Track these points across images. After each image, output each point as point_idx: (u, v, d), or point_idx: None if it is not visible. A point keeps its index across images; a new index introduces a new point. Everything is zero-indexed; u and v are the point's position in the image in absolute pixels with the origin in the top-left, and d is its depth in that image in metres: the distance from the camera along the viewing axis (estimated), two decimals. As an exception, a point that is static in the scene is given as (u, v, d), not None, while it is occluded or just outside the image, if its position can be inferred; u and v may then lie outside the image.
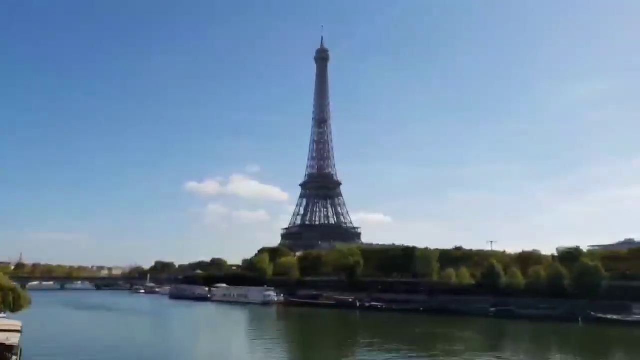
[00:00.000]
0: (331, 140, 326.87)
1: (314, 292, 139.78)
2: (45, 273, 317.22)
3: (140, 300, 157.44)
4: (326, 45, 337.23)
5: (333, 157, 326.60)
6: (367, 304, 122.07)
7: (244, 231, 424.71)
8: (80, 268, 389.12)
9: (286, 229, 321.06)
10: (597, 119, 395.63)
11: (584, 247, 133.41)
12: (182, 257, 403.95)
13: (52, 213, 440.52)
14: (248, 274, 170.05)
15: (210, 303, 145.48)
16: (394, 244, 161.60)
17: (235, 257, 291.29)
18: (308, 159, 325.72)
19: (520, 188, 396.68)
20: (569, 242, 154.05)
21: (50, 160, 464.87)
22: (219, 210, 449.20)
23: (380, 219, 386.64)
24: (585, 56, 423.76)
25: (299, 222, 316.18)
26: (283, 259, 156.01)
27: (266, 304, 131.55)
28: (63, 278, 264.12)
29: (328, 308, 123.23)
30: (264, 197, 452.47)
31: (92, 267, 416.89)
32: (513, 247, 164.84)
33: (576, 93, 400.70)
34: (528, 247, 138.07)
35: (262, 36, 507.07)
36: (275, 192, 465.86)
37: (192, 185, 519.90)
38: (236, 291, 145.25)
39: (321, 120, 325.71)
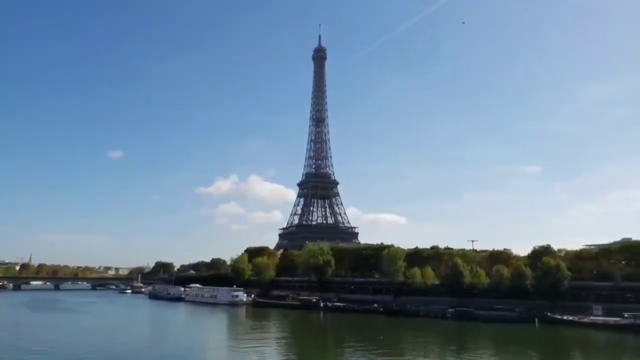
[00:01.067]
0: (329, 140, 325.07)
1: (282, 293, 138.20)
2: (51, 273, 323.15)
3: (114, 301, 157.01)
4: (324, 44, 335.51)
5: (330, 157, 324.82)
6: (330, 305, 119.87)
7: (259, 231, 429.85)
8: (86, 268, 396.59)
9: (284, 228, 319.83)
10: (615, 119, 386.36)
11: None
12: (195, 257, 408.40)
13: (66, 215, 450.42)
14: (230, 274, 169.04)
15: (183, 303, 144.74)
16: (367, 244, 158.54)
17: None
18: (306, 159, 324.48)
19: (537, 188, 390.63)
20: (584, 243, 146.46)
21: (63, 161, 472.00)
22: (232, 211, 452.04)
23: (394, 220, 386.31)
24: (604, 57, 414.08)
25: (296, 222, 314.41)
26: (259, 260, 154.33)
27: (234, 304, 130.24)
28: (64, 278, 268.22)
29: (292, 309, 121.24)
30: (278, 198, 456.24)
31: (100, 267, 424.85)
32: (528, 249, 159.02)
33: (594, 94, 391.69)
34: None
35: (261, 36, 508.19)
36: (290, 193, 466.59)
37: (207, 185, 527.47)
38: (207, 292, 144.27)
39: (319, 120, 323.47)
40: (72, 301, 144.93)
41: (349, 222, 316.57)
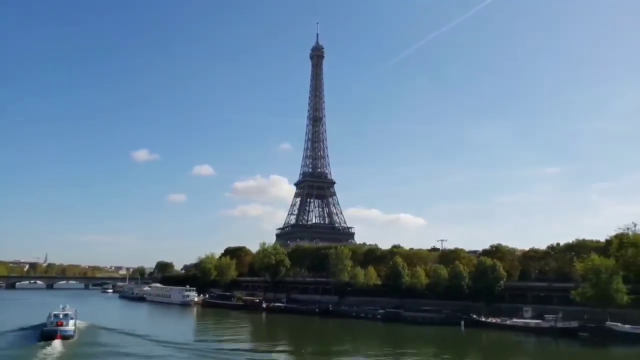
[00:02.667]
0: (325, 139, 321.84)
1: (240, 293, 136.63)
2: (59, 273, 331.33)
3: (84, 301, 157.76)
4: (321, 42, 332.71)
5: (327, 156, 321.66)
6: (271, 305, 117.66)
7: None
8: (95, 268, 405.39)
9: (280, 228, 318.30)
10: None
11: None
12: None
13: (99, 216, 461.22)
14: (198, 274, 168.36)
15: (146, 303, 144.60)
16: (329, 244, 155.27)
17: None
18: (303, 158, 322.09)
19: (567, 190, 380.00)
20: None
21: (92, 163, 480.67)
22: (254, 212, 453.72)
23: (414, 221, 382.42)
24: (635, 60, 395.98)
25: (293, 221, 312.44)
26: (221, 260, 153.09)
27: (185, 304, 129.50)
28: (55, 277, 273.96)
29: (236, 309, 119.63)
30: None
31: (111, 267, 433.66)
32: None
33: (630, 97, 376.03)
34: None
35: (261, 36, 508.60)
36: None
37: (231, 185, 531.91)
38: (163, 291, 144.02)
39: (316, 119, 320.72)
40: (34, 300, 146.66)
41: (345, 222, 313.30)
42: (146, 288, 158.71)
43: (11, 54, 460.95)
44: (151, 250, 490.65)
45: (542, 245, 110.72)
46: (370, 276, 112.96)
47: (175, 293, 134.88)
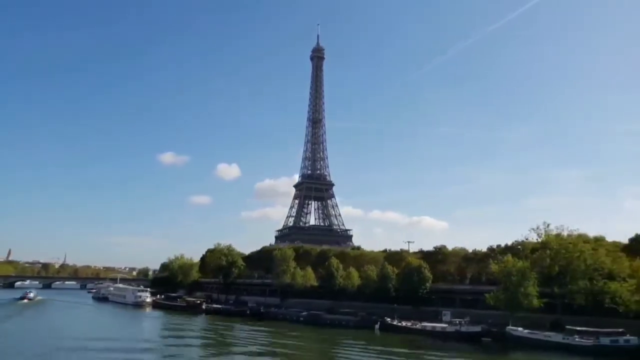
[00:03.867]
0: (325, 141, 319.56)
1: (200, 293, 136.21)
2: (71, 273, 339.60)
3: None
4: (322, 44, 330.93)
5: (327, 158, 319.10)
6: (210, 307, 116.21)
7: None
8: (108, 269, 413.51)
9: (279, 230, 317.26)
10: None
11: None
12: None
13: (123, 217, 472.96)
14: (168, 276, 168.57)
15: (106, 303, 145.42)
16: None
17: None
18: (302, 159, 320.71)
19: (600, 194, 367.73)
20: None
21: (117, 166, 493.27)
22: (275, 213, 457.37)
23: (435, 224, 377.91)
24: None
25: (291, 223, 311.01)
26: (182, 261, 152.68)
27: (138, 305, 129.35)
28: (58, 278, 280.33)
29: (179, 310, 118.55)
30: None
31: (125, 268, 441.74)
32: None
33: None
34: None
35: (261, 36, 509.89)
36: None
37: (251, 187, 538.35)
38: (120, 292, 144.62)
39: (315, 120, 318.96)
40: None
41: (343, 224, 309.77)
42: (110, 288, 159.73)
43: (49, 55, 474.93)
44: (170, 251, 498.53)
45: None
46: (308, 277, 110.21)
47: (129, 293, 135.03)
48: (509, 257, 77.53)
